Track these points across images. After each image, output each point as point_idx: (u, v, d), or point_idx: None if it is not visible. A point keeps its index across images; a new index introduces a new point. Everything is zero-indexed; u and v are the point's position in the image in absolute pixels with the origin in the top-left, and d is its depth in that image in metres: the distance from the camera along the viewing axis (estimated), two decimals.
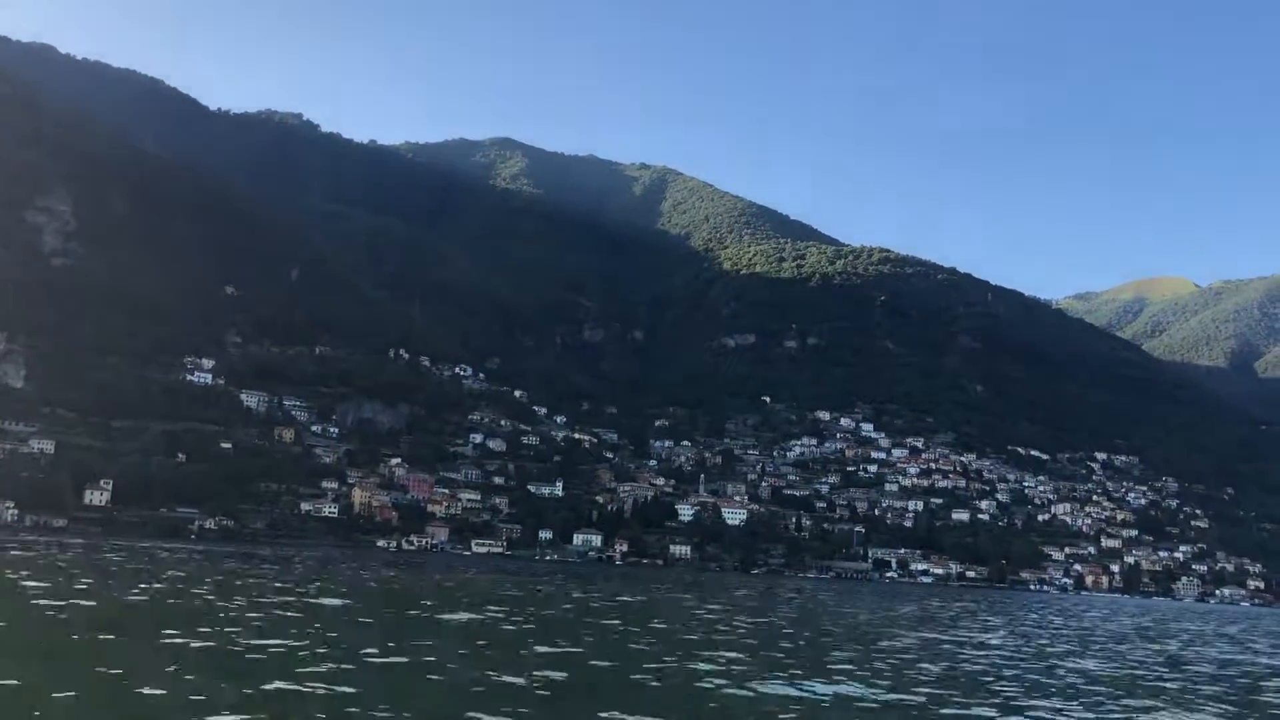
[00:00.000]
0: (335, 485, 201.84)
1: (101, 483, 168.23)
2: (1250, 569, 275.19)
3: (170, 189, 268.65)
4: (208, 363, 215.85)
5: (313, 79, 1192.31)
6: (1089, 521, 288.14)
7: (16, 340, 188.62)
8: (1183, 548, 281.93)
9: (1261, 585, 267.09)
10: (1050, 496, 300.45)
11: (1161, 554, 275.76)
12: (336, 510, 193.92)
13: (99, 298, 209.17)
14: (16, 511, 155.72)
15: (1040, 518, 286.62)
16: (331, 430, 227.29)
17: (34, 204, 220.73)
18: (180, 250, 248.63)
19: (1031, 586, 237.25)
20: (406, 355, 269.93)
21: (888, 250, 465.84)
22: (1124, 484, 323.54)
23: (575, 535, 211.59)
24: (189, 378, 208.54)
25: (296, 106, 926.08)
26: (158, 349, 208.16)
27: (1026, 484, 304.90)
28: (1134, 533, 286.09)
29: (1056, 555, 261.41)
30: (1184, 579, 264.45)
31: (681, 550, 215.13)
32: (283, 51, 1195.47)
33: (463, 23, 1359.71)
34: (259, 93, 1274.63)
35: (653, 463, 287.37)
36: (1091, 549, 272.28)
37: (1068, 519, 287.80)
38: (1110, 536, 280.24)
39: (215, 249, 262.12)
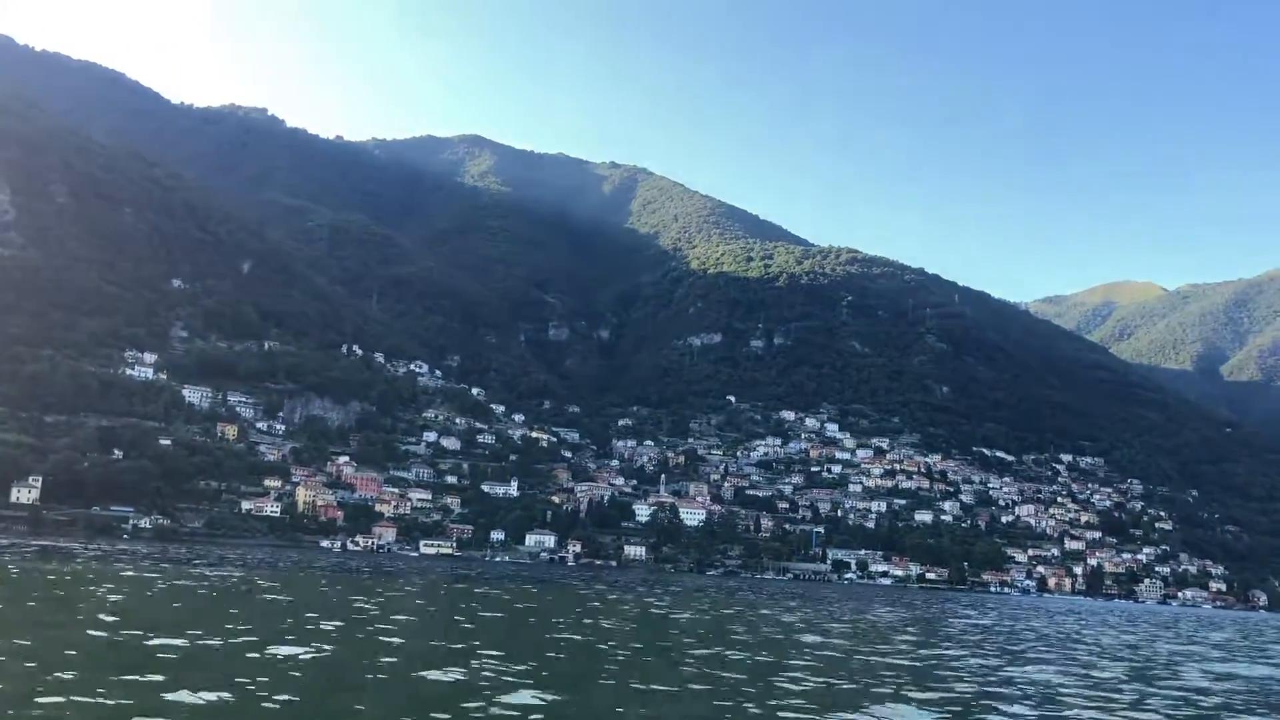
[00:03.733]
0: (279, 484, 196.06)
1: (30, 480, 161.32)
2: (1212, 571, 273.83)
3: (117, 180, 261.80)
4: (149, 357, 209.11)
5: (281, 75, 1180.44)
6: (1053, 523, 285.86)
7: None
8: (1146, 549, 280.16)
9: (1223, 587, 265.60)
10: (1015, 498, 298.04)
11: (1125, 556, 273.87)
12: (279, 509, 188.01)
13: (36, 289, 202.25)
14: None
15: (1004, 519, 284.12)
16: (278, 427, 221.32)
17: None
18: (125, 242, 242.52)
19: (993, 588, 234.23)
20: (360, 351, 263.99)
21: (855, 250, 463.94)
22: (1089, 486, 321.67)
23: (528, 536, 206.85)
24: (129, 372, 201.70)
25: (263, 102, 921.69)
26: (96, 342, 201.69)
27: (991, 485, 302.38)
28: (1098, 534, 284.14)
29: (1019, 557, 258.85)
30: (1147, 581, 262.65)
31: (637, 551, 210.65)
32: (250, 47, 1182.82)
33: (433, 20, 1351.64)
34: (225, 89, 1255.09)
35: (615, 463, 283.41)
36: (1055, 551, 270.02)
37: (1031, 520, 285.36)
38: (1074, 538, 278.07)
39: (163, 241, 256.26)
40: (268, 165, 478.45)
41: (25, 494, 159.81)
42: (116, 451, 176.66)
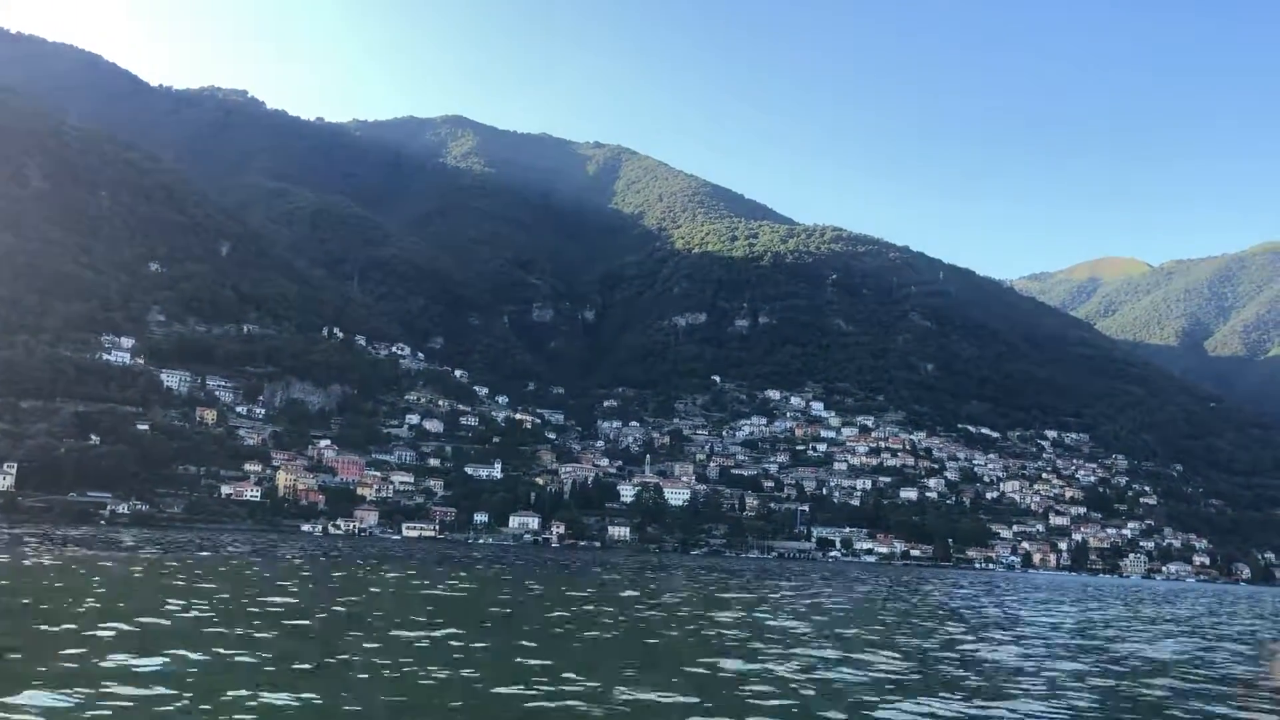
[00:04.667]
0: (259, 468, 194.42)
1: (5, 466, 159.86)
2: (1196, 545, 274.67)
3: (93, 163, 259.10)
4: (126, 341, 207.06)
5: (260, 57, 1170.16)
6: (1038, 499, 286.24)
7: None
8: (1131, 524, 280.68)
9: (1207, 561, 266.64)
10: (999, 474, 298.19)
11: (1110, 531, 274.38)
12: (259, 494, 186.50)
13: (9, 273, 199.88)
14: None
15: (989, 496, 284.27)
16: (258, 411, 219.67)
17: None
18: (101, 226, 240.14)
19: (977, 564, 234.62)
20: (341, 334, 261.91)
21: (840, 229, 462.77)
22: (1074, 461, 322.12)
23: (511, 518, 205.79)
24: (105, 357, 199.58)
25: (244, 84, 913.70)
26: (72, 327, 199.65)
27: (976, 462, 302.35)
28: (1083, 510, 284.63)
29: (1004, 533, 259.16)
30: (1131, 556, 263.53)
31: (620, 532, 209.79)
32: (230, 28, 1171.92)
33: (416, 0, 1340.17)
34: (205, 70, 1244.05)
35: (600, 444, 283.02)
36: (1040, 527, 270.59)
37: (1016, 497, 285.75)
38: (1059, 514, 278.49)
39: (140, 225, 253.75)
40: (248, 147, 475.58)
41: (1, 481, 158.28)
42: (94, 437, 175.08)
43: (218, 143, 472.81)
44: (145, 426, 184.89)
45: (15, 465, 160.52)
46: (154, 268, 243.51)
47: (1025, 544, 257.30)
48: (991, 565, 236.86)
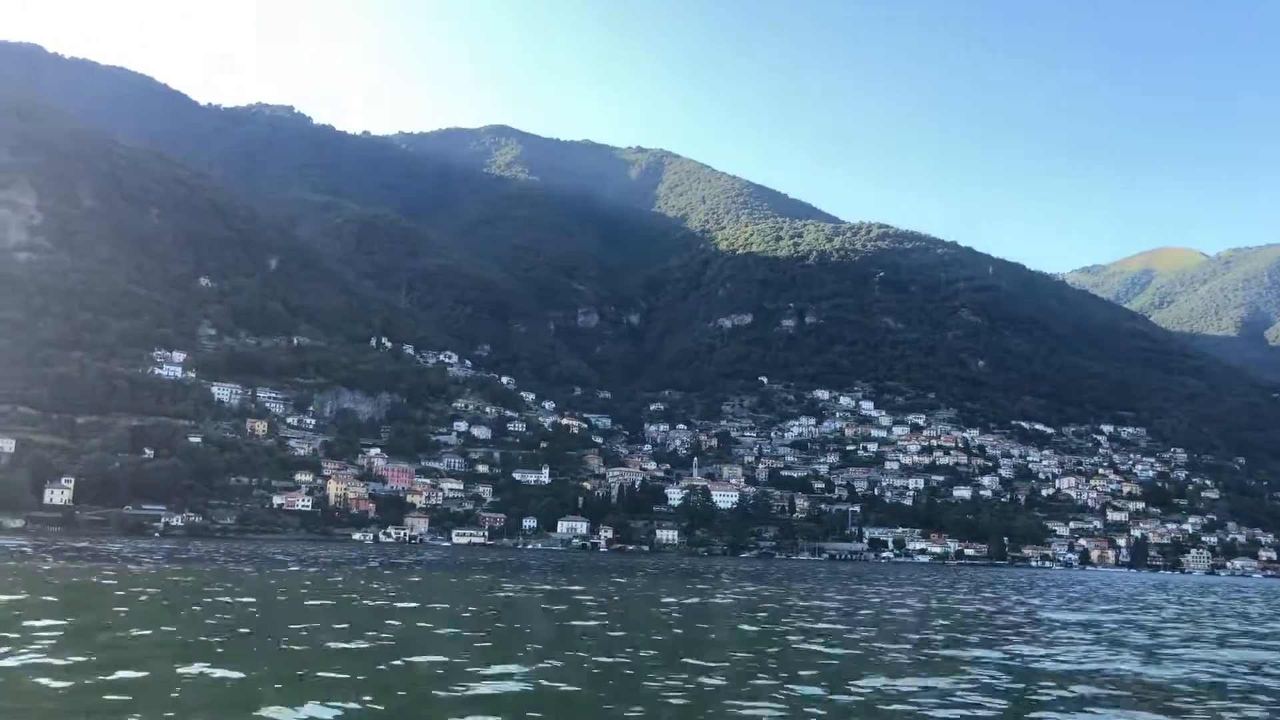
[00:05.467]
0: (310, 478, 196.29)
1: (63, 480, 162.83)
2: (1262, 539, 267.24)
3: (143, 182, 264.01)
4: (178, 355, 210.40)
5: (307, 72, 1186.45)
6: (1095, 495, 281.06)
7: None
8: (1192, 519, 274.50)
9: (1274, 556, 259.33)
10: (1055, 471, 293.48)
11: (1170, 526, 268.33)
12: (310, 503, 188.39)
13: (64, 292, 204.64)
14: None
15: (1044, 492, 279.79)
16: (308, 421, 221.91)
17: None
18: (152, 243, 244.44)
19: (1034, 563, 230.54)
20: (389, 344, 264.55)
21: (887, 226, 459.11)
22: (1131, 456, 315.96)
23: (559, 523, 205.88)
24: (158, 371, 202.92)
25: (290, 100, 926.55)
26: (125, 343, 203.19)
27: (1030, 459, 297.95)
28: (1141, 505, 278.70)
29: (1061, 530, 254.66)
30: (1193, 551, 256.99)
31: (669, 535, 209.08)
32: (276, 46, 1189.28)
33: (456, 11, 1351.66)
34: (253, 88, 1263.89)
35: (647, 447, 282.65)
36: (1097, 523, 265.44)
37: (1073, 493, 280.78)
38: (1116, 510, 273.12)
39: (190, 241, 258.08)
40: (296, 162, 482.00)
41: (59, 495, 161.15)
42: (147, 451, 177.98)
43: (266, 158, 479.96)
44: (198, 439, 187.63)
45: (73, 480, 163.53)
46: (204, 283, 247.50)
47: (1083, 541, 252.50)
48: (1048, 563, 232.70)
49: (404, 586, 57.10)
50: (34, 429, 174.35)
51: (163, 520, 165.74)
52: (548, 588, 60.92)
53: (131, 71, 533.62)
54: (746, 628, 38.94)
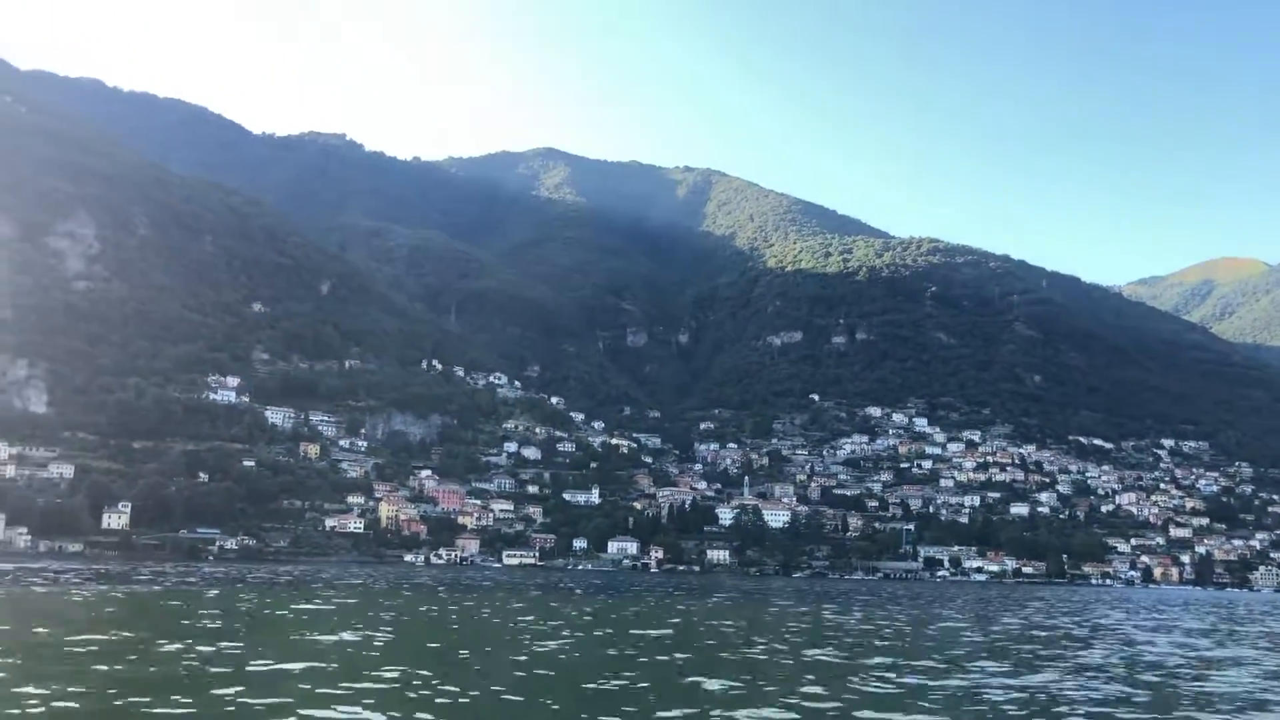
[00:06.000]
0: (362, 500, 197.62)
1: (120, 505, 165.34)
2: None
3: (196, 210, 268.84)
4: (232, 380, 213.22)
5: (359, 100, 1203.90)
6: (1156, 511, 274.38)
7: (38, 365, 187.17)
8: (1260, 535, 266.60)
9: None
10: (1115, 486, 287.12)
11: (1236, 543, 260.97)
12: (362, 525, 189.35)
13: (121, 319, 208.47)
14: (30, 538, 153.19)
15: (1104, 509, 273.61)
16: (360, 444, 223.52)
17: (56, 229, 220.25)
18: (206, 270, 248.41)
19: (1094, 581, 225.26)
20: (440, 366, 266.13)
21: (937, 240, 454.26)
22: (1194, 471, 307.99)
23: (610, 543, 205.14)
24: (212, 396, 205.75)
25: (341, 127, 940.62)
26: (180, 368, 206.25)
27: (1089, 474, 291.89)
28: (1205, 521, 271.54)
29: (1122, 547, 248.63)
30: (1262, 569, 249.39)
31: (720, 555, 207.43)
32: (328, 75, 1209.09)
33: (505, 37, 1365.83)
34: (305, 116, 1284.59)
35: (697, 467, 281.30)
36: (1160, 540, 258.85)
37: (1134, 509, 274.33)
38: (1180, 526, 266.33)
39: (243, 267, 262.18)
40: (348, 188, 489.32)
41: (116, 519, 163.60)
42: (202, 475, 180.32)
43: (318, 185, 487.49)
44: (251, 463, 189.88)
45: (129, 505, 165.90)
46: (257, 308, 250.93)
47: (1145, 558, 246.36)
48: (1109, 581, 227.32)
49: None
50: (93, 454, 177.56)
51: (217, 544, 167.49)
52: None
53: (187, 103, 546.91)
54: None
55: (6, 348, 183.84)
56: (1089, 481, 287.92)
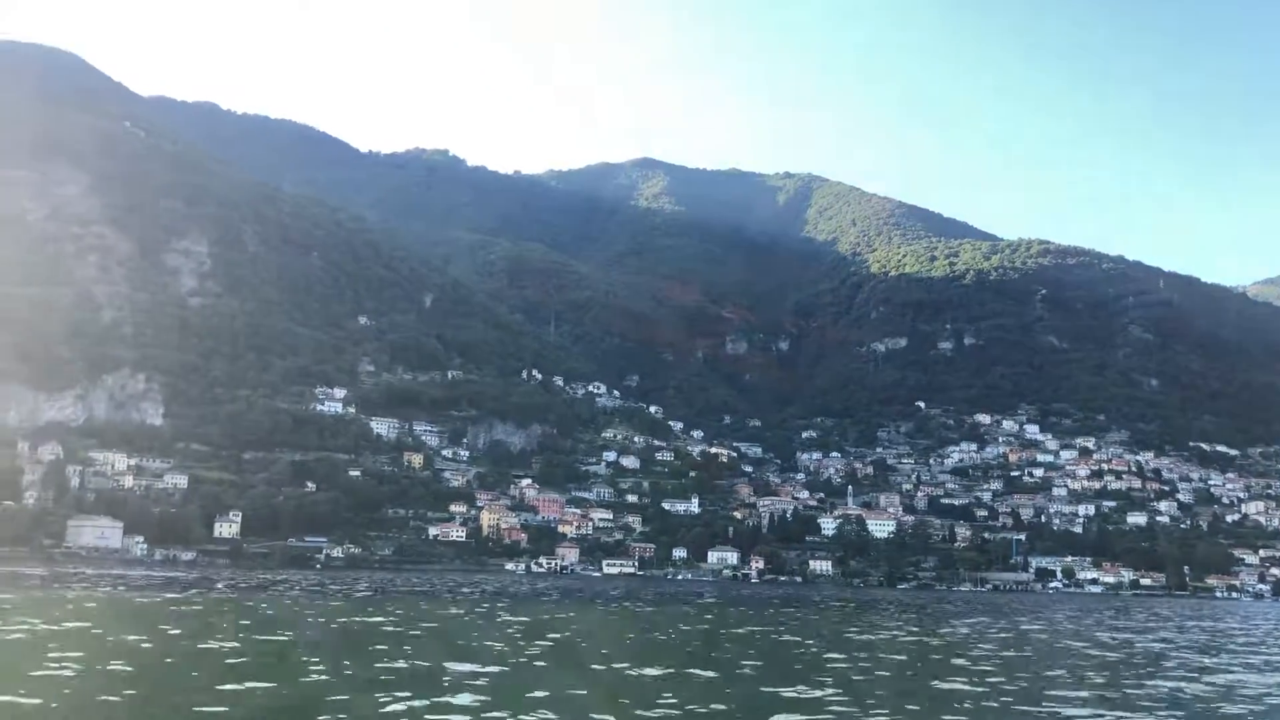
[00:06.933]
0: (464, 509, 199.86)
1: (231, 514, 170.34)
2: None
3: (304, 226, 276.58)
4: (339, 392, 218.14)
5: (461, 117, 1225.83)
6: None
7: (154, 379, 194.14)
8: None
9: None
10: (1240, 495, 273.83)
11: None
12: (464, 534, 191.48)
13: (232, 334, 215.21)
14: (146, 546, 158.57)
15: (1229, 518, 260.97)
16: (462, 453, 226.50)
17: (172, 246, 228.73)
18: (313, 284, 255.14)
19: (1219, 594, 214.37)
20: (539, 375, 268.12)
21: (1047, 242, 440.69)
22: None
23: (710, 553, 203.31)
24: (319, 408, 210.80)
25: (445, 144, 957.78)
26: (289, 380, 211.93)
27: (1212, 482, 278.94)
28: None
29: (1249, 558, 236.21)
30: None
31: (822, 566, 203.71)
32: (432, 93, 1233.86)
33: (603, 53, 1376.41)
34: (410, 134, 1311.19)
35: (799, 476, 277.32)
36: None
37: (1261, 518, 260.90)
38: None
39: (349, 282, 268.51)
40: (451, 204, 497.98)
41: (227, 528, 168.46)
42: (310, 484, 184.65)
43: (422, 201, 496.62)
44: (357, 473, 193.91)
45: (240, 514, 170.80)
46: (363, 321, 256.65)
47: (1275, 570, 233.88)
48: (1235, 594, 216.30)
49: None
50: (205, 465, 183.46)
51: (324, 552, 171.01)
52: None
53: (297, 123, 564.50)
54: None
55: (126, 362, 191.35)
56: (1212, 489, 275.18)
